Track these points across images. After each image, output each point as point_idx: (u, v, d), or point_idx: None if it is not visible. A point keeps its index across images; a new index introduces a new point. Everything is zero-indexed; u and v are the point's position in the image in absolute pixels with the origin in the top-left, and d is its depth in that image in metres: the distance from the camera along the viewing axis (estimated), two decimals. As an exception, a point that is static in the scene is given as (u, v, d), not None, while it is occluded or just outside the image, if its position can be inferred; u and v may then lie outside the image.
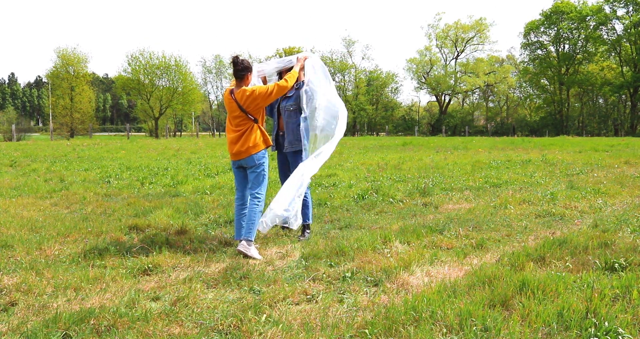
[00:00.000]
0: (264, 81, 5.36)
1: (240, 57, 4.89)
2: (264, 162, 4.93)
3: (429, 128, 62.13)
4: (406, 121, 64.11)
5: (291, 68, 5.27)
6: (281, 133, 5.46)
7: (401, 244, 4.88)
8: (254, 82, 5.14)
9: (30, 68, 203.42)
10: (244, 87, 4.84)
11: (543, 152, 18.28)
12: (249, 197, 4.99)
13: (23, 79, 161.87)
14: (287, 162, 5.47)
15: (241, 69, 4.84)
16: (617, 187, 8.53)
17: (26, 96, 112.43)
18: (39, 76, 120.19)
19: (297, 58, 5.25)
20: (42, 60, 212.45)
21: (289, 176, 5.49)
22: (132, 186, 9.33)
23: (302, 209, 5.40)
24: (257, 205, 4.88)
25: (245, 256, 4.53)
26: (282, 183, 5.58)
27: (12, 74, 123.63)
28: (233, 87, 4.95)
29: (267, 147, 4.96)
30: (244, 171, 5.04)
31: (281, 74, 5.41)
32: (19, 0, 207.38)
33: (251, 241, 4.68)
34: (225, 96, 4.95)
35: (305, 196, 5.37)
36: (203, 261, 4.39)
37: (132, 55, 52.20)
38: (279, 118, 5.47)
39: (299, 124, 5.27)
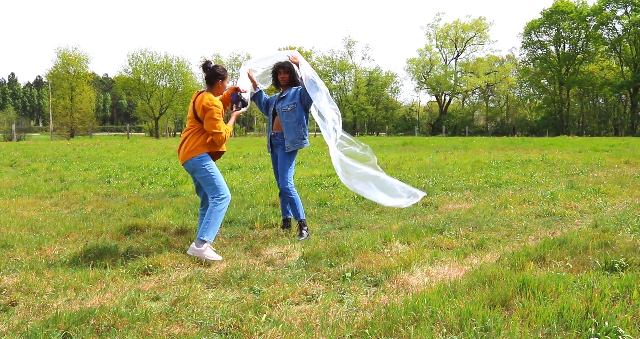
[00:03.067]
0: (254, 86, 5.38)
1: (214, 63, 4.72)
2: (204, 166, 4.57)
3: (429, 128, 62.18)
4: (406, 121, 64.18)
5: (285, 63, 5.31)
6: (273, 134, 5.46)
7: (401, 244, 4.88)
8: (245, 88, 5.18)
9: (30, 68, 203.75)
10: (206, 96, 4.59)
11: (543, 152, 18.28)
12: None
13: (23, 79, 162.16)
14: None
15: (210, 75, 4.66)
16: (617, 187, 8.53)
17: (26, 95, 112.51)
18: (39, 76, 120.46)
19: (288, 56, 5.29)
20: (42, 60, 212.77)
21: None
22: (132, 186, 9.33)
23: (291, 206, 5.37)
24: (216, 205, 4.57)
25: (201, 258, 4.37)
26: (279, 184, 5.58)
27: (12, 74, 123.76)
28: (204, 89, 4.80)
29: (208, 152, 4.62)
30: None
31: (277, 73, 5.41)
32: (19, 0, 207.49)
33: (204, 241, 4.42)
34: (193, 95, 4.79)
35: (291, 194, 5.32)
36: (203, 261, 4.39)
37: (133, 54, 52.24)
38: (274, 120, 5.47)
39: (299, 121, 5.27)
